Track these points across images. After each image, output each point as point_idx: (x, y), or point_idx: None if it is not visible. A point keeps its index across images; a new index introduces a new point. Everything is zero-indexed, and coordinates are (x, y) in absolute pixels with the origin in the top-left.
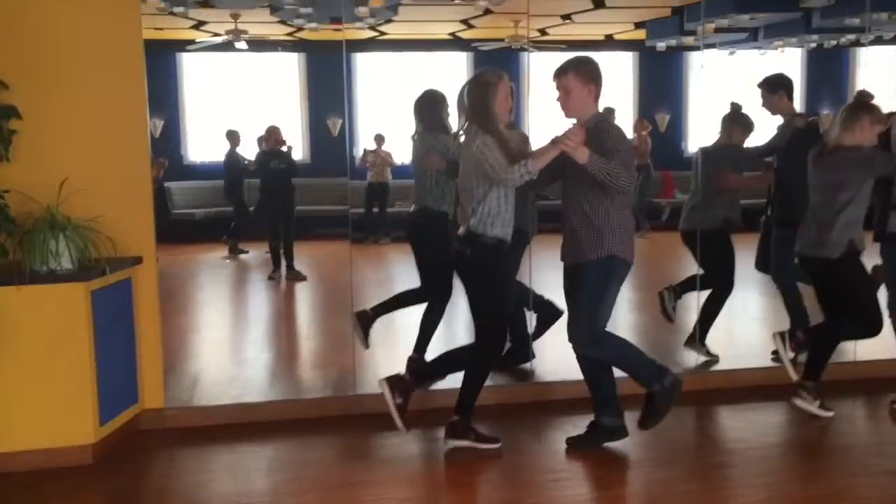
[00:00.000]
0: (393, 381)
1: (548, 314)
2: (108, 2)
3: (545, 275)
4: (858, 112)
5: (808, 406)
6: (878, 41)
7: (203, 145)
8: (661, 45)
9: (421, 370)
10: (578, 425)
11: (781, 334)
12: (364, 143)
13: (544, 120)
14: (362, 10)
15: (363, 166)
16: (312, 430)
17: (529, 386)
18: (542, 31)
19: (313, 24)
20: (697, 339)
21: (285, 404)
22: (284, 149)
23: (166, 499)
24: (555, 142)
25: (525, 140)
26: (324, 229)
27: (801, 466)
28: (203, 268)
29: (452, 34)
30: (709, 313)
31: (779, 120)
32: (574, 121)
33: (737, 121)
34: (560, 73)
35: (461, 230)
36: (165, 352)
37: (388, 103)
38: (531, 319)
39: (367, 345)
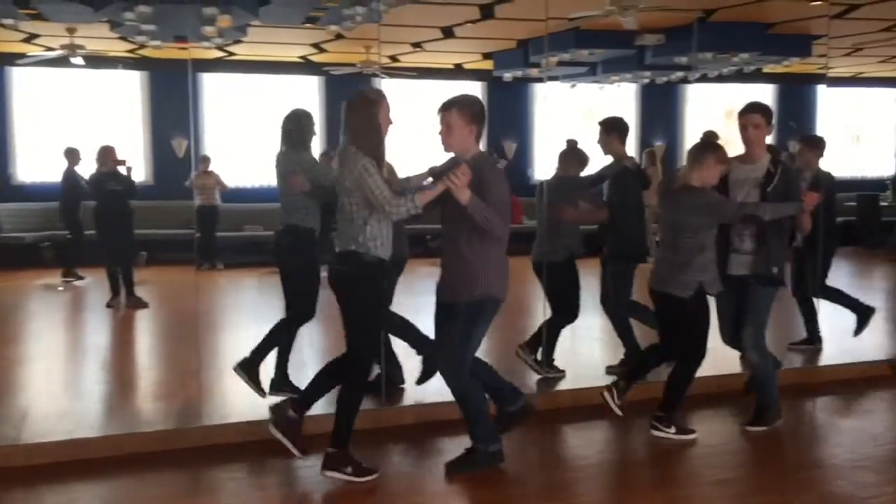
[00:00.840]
0: (283, 426)
1: (431, 362)
2: None
3: (414, 299)
4: (704, 151)
5: (668, 434)
6: (704, 79)
7: (34, 165)
8: (508, 76)
9: (300, 400)
10: (449, 446)
11: (609, 388)
12: (210, 165)
13: (396, 145)
14: (209, 30)
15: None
16: (154, 466)
17: (408, 408)
18: (394, 58)
19: (157, 42)
20: (543, 363)
21: (122, 439)
22: (123, 169)
23: None
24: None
25: (391, 168)
26: (167, 253)
27: (642, 480)
28: (35, 294)
29: (303, 57)
30: (550, 338)
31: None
32: (451, 155)
33: (572, 155)
34: (444, 108)
35: (339, 248)
36: None
37: (236, 125)
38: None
39: (261, 392)
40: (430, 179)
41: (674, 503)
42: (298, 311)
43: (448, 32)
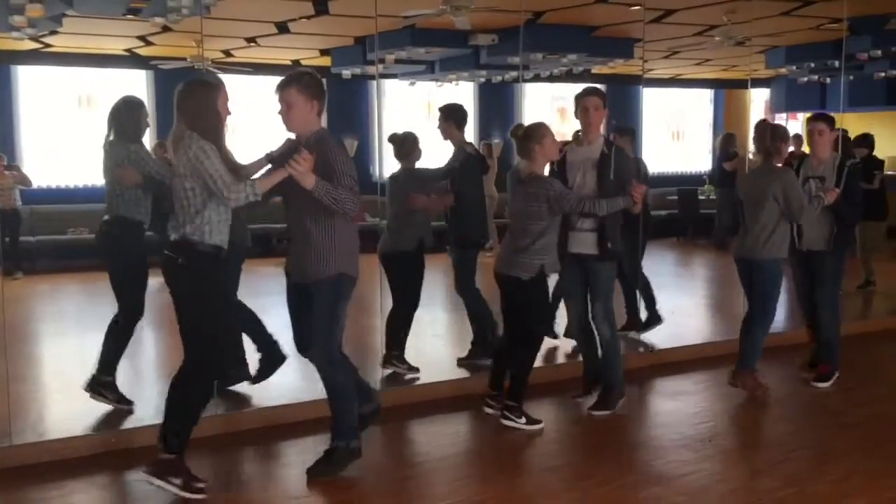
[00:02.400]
0: (160, 470)
1: (274, 358)
2: None
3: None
4: (525, 144)
5: (518, 424)
6: (537, 78)
7: None
8: (347, 73)
9: (168, 437)
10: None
11: (502, 411)
12: (28, 162)
13: (236, 140)
14: (19, 20)
15: None
16: None
17: (252, 412)
18: (227, 53)
19: None
20: (396, 355)
21: None
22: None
23: None
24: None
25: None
26: None
27: (479, 471)
28: None
29: (129, 50)
30: (398, 329)
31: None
32: (292, 135)
33: (407, 145)
34: (282, 87)
35: (174, 236)
36: None
37: (57, 121)
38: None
39: (128, 402)
40: (270, 167)
41: (508, 492)
42: (127, 309)
43: (282, 28)
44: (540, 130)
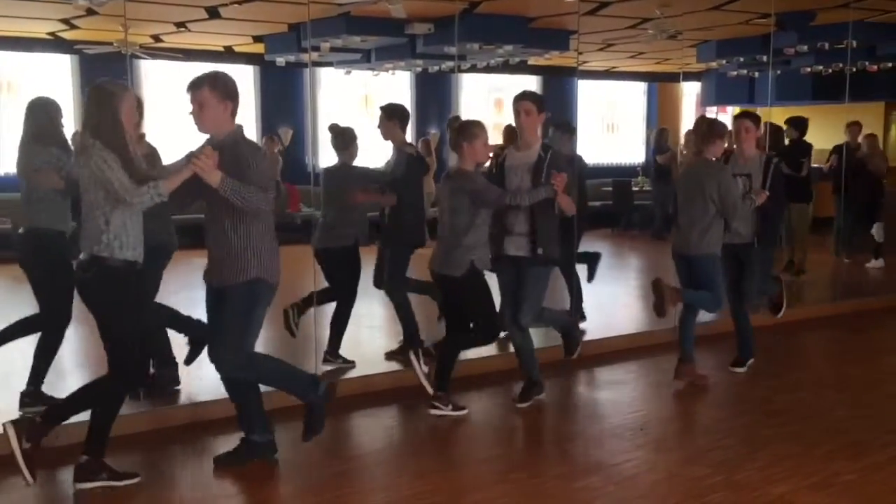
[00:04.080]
0: (21, 426)
1: (199, 335)
2: None
3: (191, 293)
4: (456, 140)
5: (445, 412)
6: (473, 69)
7: None
8: (281, 61)
9: (52, 411)
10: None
11: (415, 352)
12: None
13: (163, 130)
14: None
15: None
16: None
17: (181, 408)
18: (157, 38)
19: None
20: (330, 350)
21: None
22: None
23: None
24: (189, 160)
25: (154, 154)
26: None
27: (414, 464)
28: None
29: (52, 34)
30: (339, 324)
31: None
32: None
33: (343, 139)
34: (194, 87)
35: (83, 254)
36: None
37: None
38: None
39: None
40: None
41: (442, 485)
42: (53, 318)
43: (213, 13)
44: (473, 129)
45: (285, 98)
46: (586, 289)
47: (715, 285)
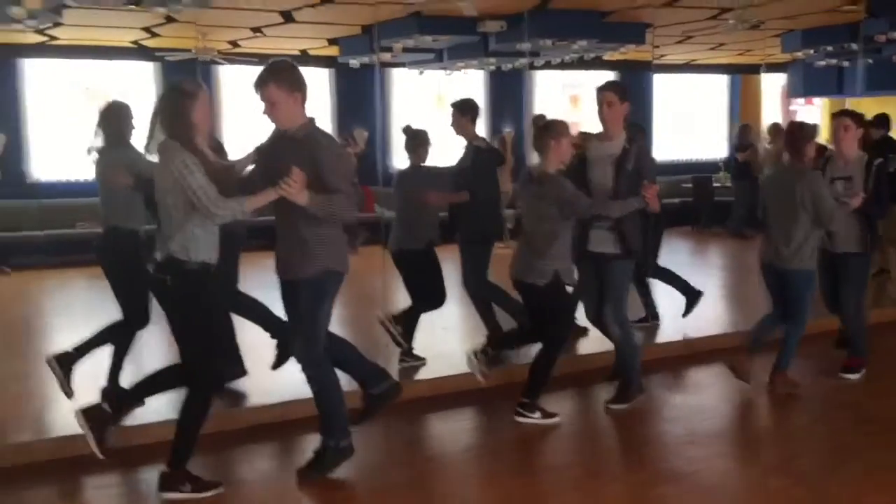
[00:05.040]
0: (91, 414)
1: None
2: None
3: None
4: (543, 138)
5: (533, 419)
6: (548, 66)
7: None
8: (355, 63)
9: (123, 396)
10: (294, 450)
11: (476, 352)
12: (35, 160)
13: (240, 132)
14: (17, 11)
15: None
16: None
17: (247, 410)
18: (234, 44)
19: None
20: (405, 350)
21: None
22: None
23: None
24: (258, 152)
25: (220, 148)
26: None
27: (488, 469)
28: None
29: (135, 42)
30: (409, 326)
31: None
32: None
33: (416, 141)
34: (260, 84)
35: (160, 255)
36: None
37: (66, 114)
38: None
39: (69, 392)
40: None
41: (517, 491)
42: (130, 317)
43: (288, 17)
44: (560, 127)
45: (360, 100)
46: (665, 287)
47: (803, 304)
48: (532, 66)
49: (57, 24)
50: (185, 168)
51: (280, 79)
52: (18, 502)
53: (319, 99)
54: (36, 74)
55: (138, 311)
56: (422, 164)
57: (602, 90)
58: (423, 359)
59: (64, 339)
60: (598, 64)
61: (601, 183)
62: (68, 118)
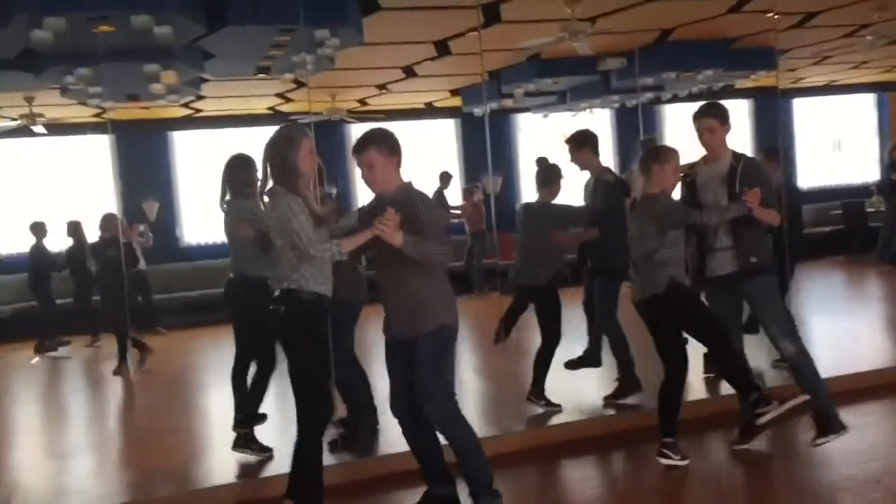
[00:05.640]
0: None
1: (361, 428)
2: None
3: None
4: (646, 162)
5: (675, 461)
6: (676, 99)
7: (9, 237)
8: (479, 111)
9: (305, 492)
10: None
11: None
12: (187, 223)
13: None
14: (157, 87)
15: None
16: None
17: (375, 460)
18: (362, 102)
19: (110, 103)
20: (534, 392)
21: None
22: (142, 229)
23: None
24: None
25: (328, 200)
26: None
27: None
28: (12, 369)
29: (271, 108)
30: (542, 365)
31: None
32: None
33: (552, 174)
34: (359, 150)
35: (277, 290)
36: None
37: (213, 179)
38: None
39: (268, 451)
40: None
41: None
42: (261, 362)
43: (410, 72)
44: (665, 153)
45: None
46: (815, 317)
47: None
48: (658, 101)
49: (200, 98)
50: (289, 211)
51: (380, 144)
52: None
53: (448, 149)
54: (184, 144)
55: (265, 356)
56: (549, 201)
57: (699, 117)
58: (557, 405)
59: (215, 393)
60: (729, 93)
61: (713, 204)
62: (215, 184)
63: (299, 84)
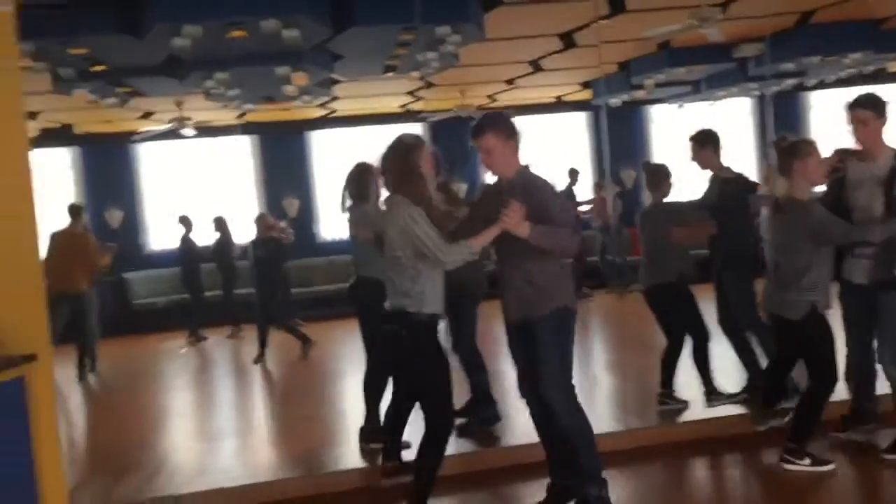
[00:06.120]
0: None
1: (476, 416)
2: None
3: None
4: (786, 160)
5: (801, 467)
6: (822, 85)
7: (163, 233)
8: (616, 101)
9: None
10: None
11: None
12: (324, 221)
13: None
14: (290, 89)
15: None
16: None
17: (495, 451)
18: (492, 98)
19: (250, 106)
20: (708, 394)
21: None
22: (283, 225)
23: None
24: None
25: (447, 189)
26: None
27: None
28: (165, 357)
29: (403, 106)
30: (670, 365)
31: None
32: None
33: (659, 176)
34: (477, 134)
35: (389, 306)
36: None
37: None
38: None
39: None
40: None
41: None
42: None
43: (536, 66)
44: (804, 147)
45: (619, 140)
46: None
47: None
48: (801, 88)
49: (334, 98)
50: (410, 220)
51: (496, 127)
52: None
53: (578, 143)
54: (321, 143)
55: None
56: (661, 201)
57: (852, 108)
58: (685, 401)
59: (349, 382)
60: (882, 77)
61: (866, 207)
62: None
63: (428, 83)
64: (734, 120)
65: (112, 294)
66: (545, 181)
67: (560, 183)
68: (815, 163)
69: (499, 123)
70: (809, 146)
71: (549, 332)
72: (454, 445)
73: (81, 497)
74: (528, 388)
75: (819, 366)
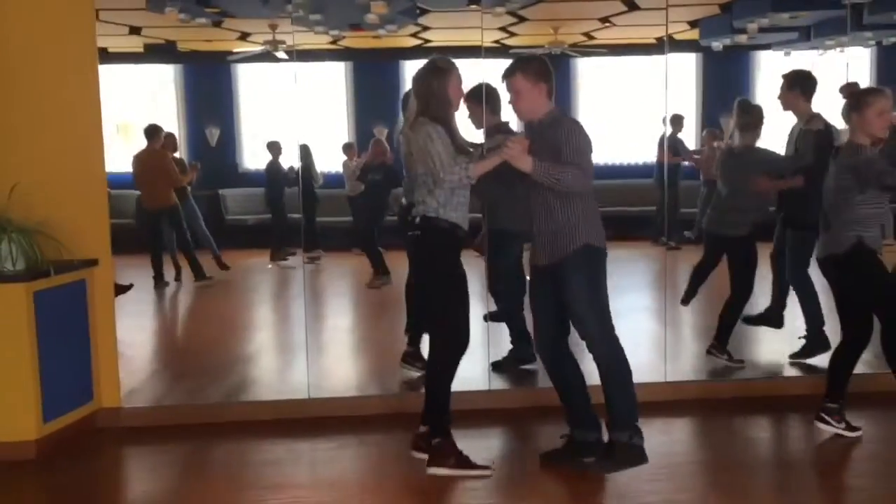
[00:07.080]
0: (435, 458)
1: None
2: (61, 10)
3: None
4: (847, 111)
5: (835, 428)
6: None
7: (257, 153)
8: (717, 45)
9: (430, 421)
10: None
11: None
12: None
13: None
14: (371, 17)
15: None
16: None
17: (528, 390)
18: (588, 36)
19: (335, 32)
20: (718, 346)
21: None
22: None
23: (102, 494)
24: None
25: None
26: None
27: (797, 482)
28: (250, 272)
29: (497, 41)
30: (730, 320)
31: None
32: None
33: (754, 118)
34: (508, 76)
35: (414, 215)
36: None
37: None
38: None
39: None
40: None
41: None
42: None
43: (631, 5)
44: (865, 98)
45: (727, 85)
46: None
47: None
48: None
49: (425, 28)
50: (428, 138)
51: (527, 70)
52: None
53: (686, 84)
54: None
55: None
56: (752, 145)
57: None
58: (740, 360)
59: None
60: None
61: None
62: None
63: (521, 17)
64: (849, 72)
65: (207, 208)
66: (575, 122)
67: (664, 130)
68: (874, 114)
69: (528, 66)
70: (871, 96)
71: (575, 269)
72: (485, 380)
73: (137, 393)
74: (548, 342)
75: (877, 302)
